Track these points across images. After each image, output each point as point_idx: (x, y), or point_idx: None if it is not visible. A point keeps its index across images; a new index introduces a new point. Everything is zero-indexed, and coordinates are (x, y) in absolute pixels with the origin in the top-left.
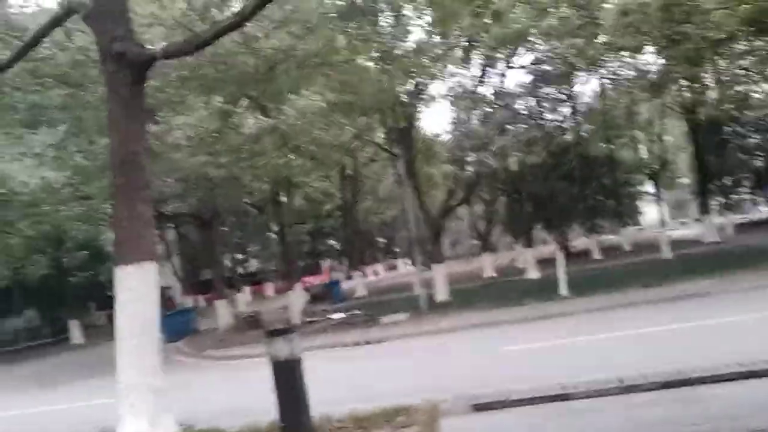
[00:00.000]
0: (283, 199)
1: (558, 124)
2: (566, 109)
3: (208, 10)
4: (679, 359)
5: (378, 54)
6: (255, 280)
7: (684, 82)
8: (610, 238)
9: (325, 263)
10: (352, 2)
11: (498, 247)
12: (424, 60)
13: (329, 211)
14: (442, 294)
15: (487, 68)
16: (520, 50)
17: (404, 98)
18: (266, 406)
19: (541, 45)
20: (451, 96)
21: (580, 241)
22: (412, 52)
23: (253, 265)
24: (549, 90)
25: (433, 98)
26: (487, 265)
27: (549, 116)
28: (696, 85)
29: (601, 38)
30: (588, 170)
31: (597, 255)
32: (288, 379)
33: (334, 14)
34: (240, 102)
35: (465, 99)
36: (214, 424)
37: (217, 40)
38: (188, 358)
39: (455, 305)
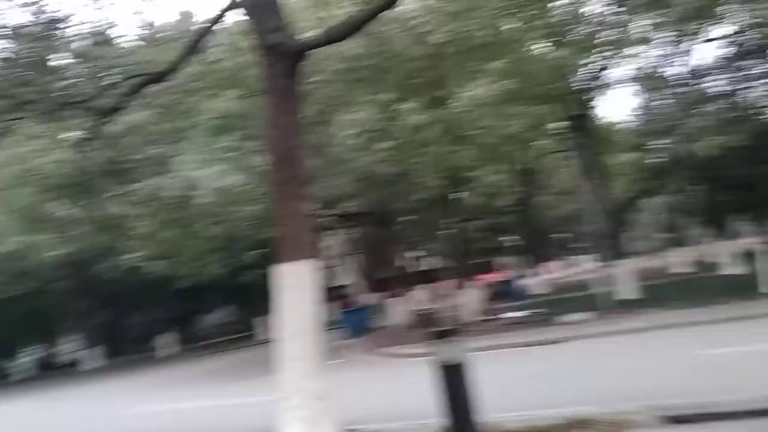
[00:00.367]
0: (456, 195)
1: (761, 101)
2: None
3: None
4: None
5: (550, 37)
6: (430, 278)
7: None
8: None
9: (501, 261)
10: None
11: (687, 241)
12: (603, 39)
13: (504, 207)
14: (627, 291)
15: (677, 44)
16: (715, 21)
17: (581, 84)
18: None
19: (740, 13)
20: (634, 77)
21: None
22: (589, 32)
23: (429, 262)
24: (750, 63)
25: (613, 82)
26: (676, 260)
27: (750, 93)
28: None
29: None
30: None
31: None
32: (453, 384)
33: None
34: (404, 93)
35: (651, 79)
36: (381, 427)
37: (372, 19)
38: (367, 354)
39: (643, 304)
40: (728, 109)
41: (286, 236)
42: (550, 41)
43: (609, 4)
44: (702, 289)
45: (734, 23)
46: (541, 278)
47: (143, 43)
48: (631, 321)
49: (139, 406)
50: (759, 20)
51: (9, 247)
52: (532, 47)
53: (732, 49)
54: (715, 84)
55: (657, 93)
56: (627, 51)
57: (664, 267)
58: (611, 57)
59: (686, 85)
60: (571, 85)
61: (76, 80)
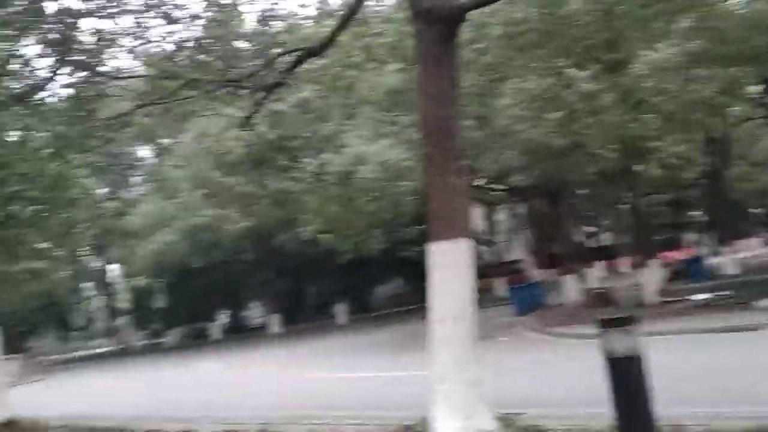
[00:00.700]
0: (636, 166)
1: None
2: None
3: None
4: None
5: None
6: (607, 255)
7: None
8: None
9: (687, 237)
10: None
11: None
12: None
13: (691, 179)
14: None
15: None
16: None
17: None
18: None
19: None
20: None
21: None
22: None
23: (606, 238)
24: None
25: None
26: None
27: None
28: None
29: None
30: None
31: None
32: (625, 379)
33: None
34: (575, 58)
35: None
36: (542, 413)
37: None
38: (534, 333)
39: None
40: None
41: (439, 213)
42: None
43: None
44: None
45: None
46: (733, 257)
47: (303, 19)
48: None
49: (310, 373)
50: None
51: (199, 221)
52: (725, 1)
53: None
54: None
55: None
56: None
57: None
58: None
59: None
60: None
61: (239, 58)
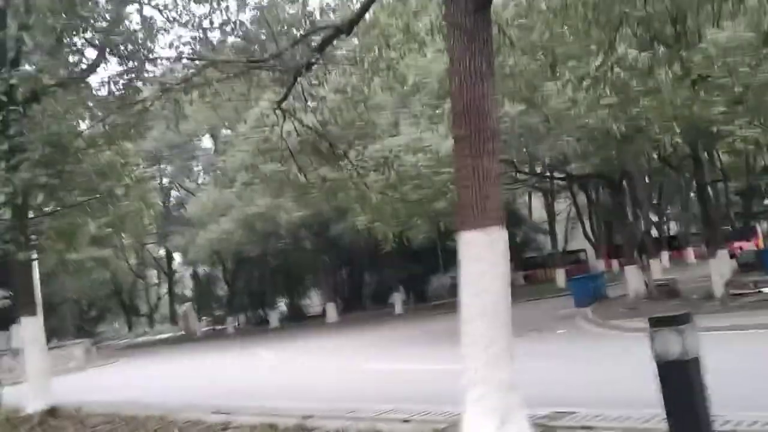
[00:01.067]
0: (703, 153)
1: None
2: None
3: None
4: None
5: None
6: (673, 245)
7: None
8: None
9: (759, 227)
10: None
11: None
12: None
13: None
14: None
15: None
16: None
17: None
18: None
19: None
20: None
21: None
22: None
23: (672, 228)
24: None
25: None
26: None
27: None
28: None
29: None
30: None
31: None
32: (678, 385)
33: None
34: (623, 29)
35: None
36: (596, 413)
37: None
38: (593, 326)
39: None
40: None
41: (470, 199)
42: None
43: None
44: None
45: None
46: None
47: None
48: None
49: (366, 363)
50: None
51: (254, 210)
52: None
53: None
54: None
55: None
56: None
57: None
58: None
59: None
60: None
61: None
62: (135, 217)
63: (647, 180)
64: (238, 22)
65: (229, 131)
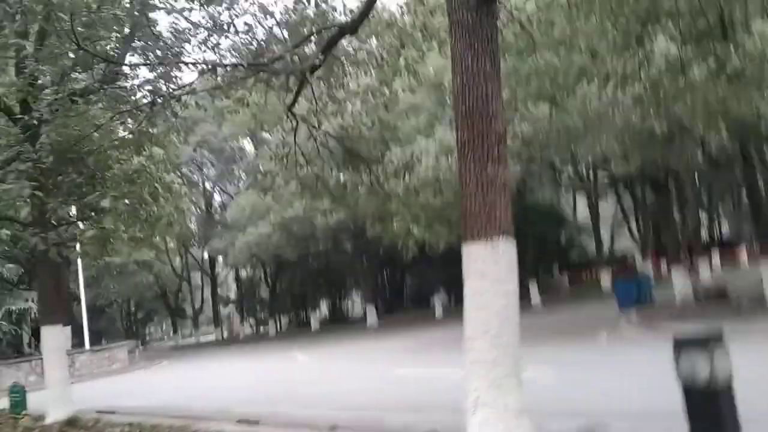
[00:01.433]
0: (753, 151)
1: None
2: None
3: None
4: None
5: None
6: (723, 246)
7: None
8: None
9: None
10: None
11: None
12: None
13: None
14: None
15: None
16: None
17: None
18: None
19: None
20: None
21: None
22: None
23: (722, 228)
24: None
25: None
26: None
27: None
28: None
29: None
30: None
31: None
32: (707, 415)
33: None
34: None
35: None
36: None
37: None
38: (636, 331)
39: None
40: None
41: (473, 208)
42: None
43: None
44: None
45: None
46: None
47: None
48: None
49: (401, 368)
50: None
51: (292, 213)
52: None
53: None
54: None
55: None
56: None
57: None
58: None
59: None
60: None
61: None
62: (165, 222)
63: (696, 179)
64: (256, 25)
65: (267, 134)
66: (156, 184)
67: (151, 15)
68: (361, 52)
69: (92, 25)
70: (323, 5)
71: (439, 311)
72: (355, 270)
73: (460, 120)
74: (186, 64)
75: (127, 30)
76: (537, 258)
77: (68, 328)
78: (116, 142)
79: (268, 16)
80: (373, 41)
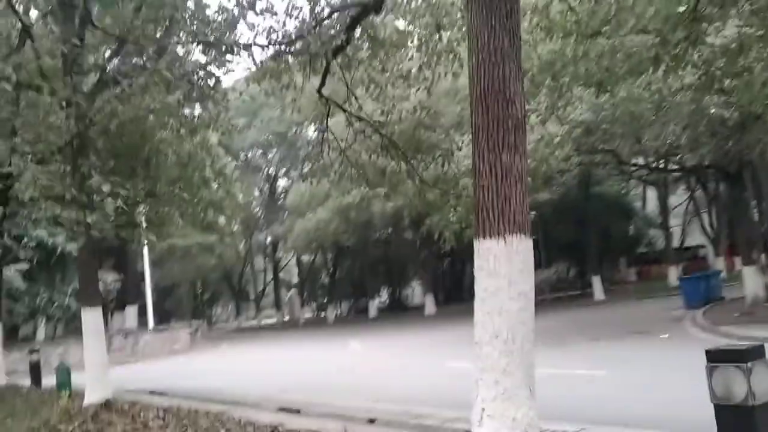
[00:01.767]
0: None
1: None
2: None
3: None
4: None
5: None
6: None
7: None
8: None
9: None
10: None
11: None
12: None
13: None
14: None
15: None
16: None
17: None
18: None
19: None
20: None
21: None
22: None
23: None
24: None
25: None
26: None
27: None
28: None
29: None
30: None
31: None
32: None
33: None
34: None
35: None
36: None
37: None
38: (700, 331)
39: None
40: None
41: (486, 201)
42: None
43: None
44: None
45: None
46: None
47: None
48: None
49: (451, 361)
50: None
51: (350, 200)
52: None
53: None
54: None
55: None
56: None
57: None
58: None
59: None
60: None
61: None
62: (217, 206)
63: None
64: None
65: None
66: (208, 168)
67: None
68: (396, 33)
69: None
70: None
71: None
72: (414, 259)
73: (475, 103)
74: (227, 46)
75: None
76: (602, 251)
77: (135, 308)
78: (170, 126)
79: None
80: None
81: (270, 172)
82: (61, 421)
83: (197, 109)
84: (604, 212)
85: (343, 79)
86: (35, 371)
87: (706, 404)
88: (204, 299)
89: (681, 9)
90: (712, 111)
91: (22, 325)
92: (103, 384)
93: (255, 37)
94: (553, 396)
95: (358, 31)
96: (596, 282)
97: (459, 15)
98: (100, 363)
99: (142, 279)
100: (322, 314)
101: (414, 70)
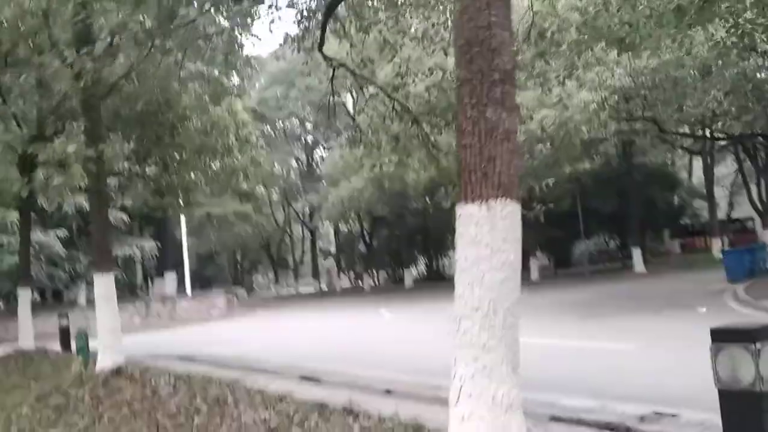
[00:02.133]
0: None
1: None
2: None
3: None
4: None
5: None
6: None
7: None
8: None
9: None
10: None
11: None
12: None
13: None
14: None
15: None
16: None
17: None
18: None
19: None
20: None
21: None
22: None
23: None
24: None
25: None
26: None
27: None
28: None
29: None
30: None
31: None
32: (748, 426)
33: None
34: None
35: None
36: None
37: None
38: (741, 306)
39: None
40: None
41: (474, 162)
42: None
43: None
44: None
45: None
46: None
47: None
48: None
49: None
50: None
51: (387, 168)
52: None
53: None
54: None
55: None
56: None
57: None
58: None
59: None
60: None
61: None
62: (242, 174)
63: None
64: None
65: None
66: (231, 136)
67: None
68: None
69: None
70: None
71: (533, 275)
72: (452, 229)
73: (458, 53)
74: None
75: None
76: (644, 223)
77: (173, 274)
78: (194, 92)
79: None
80: None
81: (307, 140)
82: (72, 386)
83: (224, 78)
84: (648, 183)
85: (348, 41)
86: (65, 336)
87: None
88: (244, 267)
89: None
90: (757, 75)
91: (65, 290)
92: (115, 350)
93: None
94: (577, 369)
95: None
96: (636, 254)
97: None
98: (113, 329)
99: (181, 247)
100: (360, 283)
101: (431, 31)
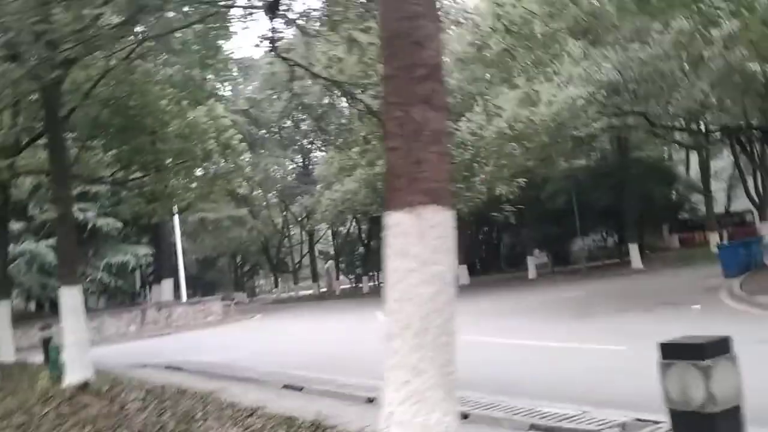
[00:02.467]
0: None
1: None
2: None
3: None
4: None
5: None
6: None
7: None
8: None
9: None
10: None
11: None
12: None
13: None
14: None
15: None
16: None
17: None
18: None
19: None
20: None
21: None
22: None
23: None
24: None
25: None
26: None
27: None
28: None
29: None
30: None
31: None
32: None
33: None
34: None
35: None
36: None
37: None
38: (735, 302)
39: None
40: None
41: (400, 166)
42: None
43: None
44: None
45: None
46: None
47: None
48: None
49: (470, 335)
50: None
51: (381, 169)
52: None
53: None
54: None
55: None
56: None
57: None
58: None
59: None
60: None
61: None
62: (225, 179)
63: None
64: None
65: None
66: (211, 141)
67: None
68: None
69: None
70: None
71: (531, 273)
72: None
73: (382, 47)
74: None
75: None
76: (642, 218)
77: (170, 281)
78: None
79: None
80: None
81: (302, 143)
82: (38, 403)
83: (201, 80)
84: (645, 178)
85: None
86: (47, 348)
87: None
88: (245, 271)
89: None
90: (746, 66)
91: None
92: (82, 364)
93: None
94: (564, 373)
95: None
96: (633, 250)
97: None
98: (80, 342)
99: (175, 252)
100: (359, 285)
101: None
